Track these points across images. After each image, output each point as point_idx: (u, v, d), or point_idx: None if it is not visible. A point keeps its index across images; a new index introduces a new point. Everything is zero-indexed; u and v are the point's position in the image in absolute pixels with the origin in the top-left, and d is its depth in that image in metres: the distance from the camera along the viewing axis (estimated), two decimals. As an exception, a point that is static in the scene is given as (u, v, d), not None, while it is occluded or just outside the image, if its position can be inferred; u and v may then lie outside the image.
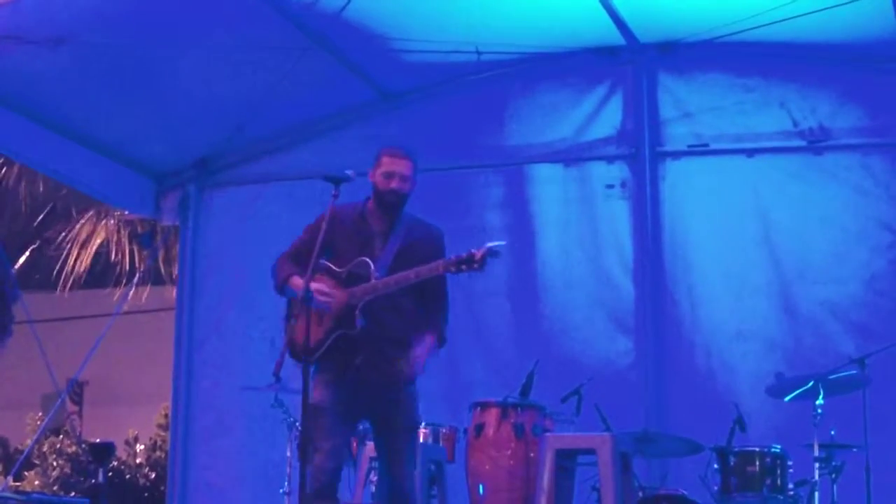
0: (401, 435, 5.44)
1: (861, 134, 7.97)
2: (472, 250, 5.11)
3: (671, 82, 8.36)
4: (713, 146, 8.22)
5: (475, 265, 5.09)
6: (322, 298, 5.30)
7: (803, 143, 8.06)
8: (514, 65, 8.39)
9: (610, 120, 8.43)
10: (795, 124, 8.08)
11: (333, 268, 5.40)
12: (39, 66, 7.41)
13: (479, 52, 7.94)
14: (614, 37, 8.08)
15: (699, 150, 8.24)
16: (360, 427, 6.35)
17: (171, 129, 8.65)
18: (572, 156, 8.47)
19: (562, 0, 7.62)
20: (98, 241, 16.31)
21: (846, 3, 7.06)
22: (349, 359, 5.34)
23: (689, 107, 8.31)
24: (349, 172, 5.40)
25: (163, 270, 15.26)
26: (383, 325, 5.36)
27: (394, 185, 5.46)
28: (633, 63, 8.37)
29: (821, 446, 6.54)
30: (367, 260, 5.34)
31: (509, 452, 6.51)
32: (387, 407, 5.42)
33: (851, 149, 7.98)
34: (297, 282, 5.42)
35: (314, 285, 5.33)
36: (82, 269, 16.20)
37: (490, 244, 5.12)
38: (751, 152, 8.14)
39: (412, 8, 7.60)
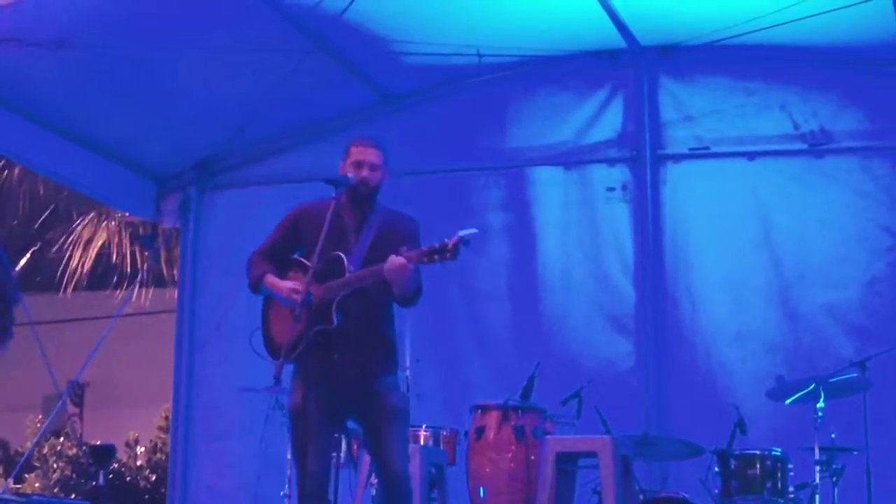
0: (383, 421, 5.32)
1: (862, 137, 7.98)
2: (445, 239, 5.01)
3: (672, 85, 8.36)
4: (714, 149, 8.22)
5: (447, 254, 4.99)
6: (297, 297, 5.21)
7: (804, 146, 8.06)
8: (514, 67, 8.39)
9: (611, 123, 8.44)
10: (796, 127, 8.08)
11: (308, 263, 5.30)
12: (40, 68, 7.42)
13: (479, 55, 7.94)
14: (615, 40, 8.08)
15: (700, 153, 8.24)
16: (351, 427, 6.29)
17: (171, 131, 8.65)
18: (573, 158, 8.48)
19: (563, 3, 7.62)
20: (100, 242, 16.33)
21: (847, 7, 7.05)
22: (326, 355, 5.27)
23: (690, 110, 8.31)
24: (350, 175, 5.40)
25: (165, 272, 15.27)
26: (358, 319, 5.28)
27: (363, 174, 5.39)
28: (634, 66, 8.37)
29: (821, 449, 6.54)
30: (341, 254, 5.27)
31: (510, 455, 6.51)
32: (367, 399, 5.33)
33: (852, 152, 7.98)
34: (272, 280, 5.41)
35: (289, 284, 5.31)
36: (84, 271, 16.22)
37: (462, 232, 4.99)
38: (752, 155, 8.14)
39: (413, 10, 7.60)
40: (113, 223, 16.17)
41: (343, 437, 6.44)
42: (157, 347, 11.73)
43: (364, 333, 5.32)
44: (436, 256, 5.03)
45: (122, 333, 9.44)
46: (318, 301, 5.22)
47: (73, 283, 16.14)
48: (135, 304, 13.21)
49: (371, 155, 5.44)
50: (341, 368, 5.29)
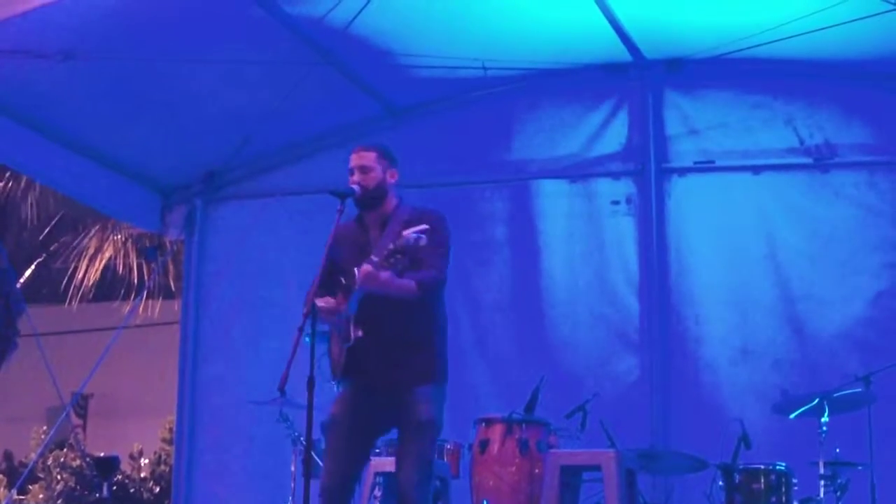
0: (405, 436, 5.30)
1: (867, 151, 7.98)
2: (398, 240, 5.03)
3: (677, 99, 8.36)
4: (719, 163, 8.22)
5: (399, 254, 5.01)
6: (328, 317, 5.26)
7: (809, 161, 8.06)
8: (520, 80, 8.40)
9: (616, 136, 8.44)
10: (802, 141, 8.08)
11: (344, 283, 5.34)
12: (47, 80, 7.43)
13: (485, 68, 7.94)
14: (621, 53, 8.09)
15: (705, 166, 8.24)
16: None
17: (177, 143, 8.66)
18: (578, 171, 8.48)
19: (568, 16, 7.63)
20: (106, 254, 16.35)
21: (853, 21, 7.06)
22: (360, 369, 5.29)
23: (696, 123, 8.32)
24: (355, 187, 5.39)
25: (172, 285, 15.28)
26: (386, 329, 5.26)
27: (355, 178, 5.40)
28: (639, 79, 8.37)
29: (826, 464, 6.54)
30: (353, 269, 5.25)
31: (514, 468, 6.51)
32: (398, 410, 5.30)
33: (857, 166, 7.98)
34: (319, 304, 5.35)
35: (323, 304, 5.29)
36: (90, 283, 16.24)
37: (406, 231, 5.02)
38: (757, 169, 8.15)
39: (419, 23, 7.62)
40: (119, 235, 16.20)
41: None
42: (161, 359, 11.75)
43: (393, 341, 5.30)
44: (398, 255, 5.03)
45: (126, 345, 9.43)
46: (343, 318, 5.27)
47: (78, 295, 16.16)
48: (141, 316, 13.23)
49: (361, 158, 5.43)
50: (375, 379, 5.31)
